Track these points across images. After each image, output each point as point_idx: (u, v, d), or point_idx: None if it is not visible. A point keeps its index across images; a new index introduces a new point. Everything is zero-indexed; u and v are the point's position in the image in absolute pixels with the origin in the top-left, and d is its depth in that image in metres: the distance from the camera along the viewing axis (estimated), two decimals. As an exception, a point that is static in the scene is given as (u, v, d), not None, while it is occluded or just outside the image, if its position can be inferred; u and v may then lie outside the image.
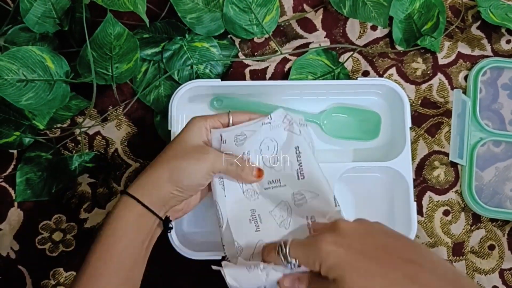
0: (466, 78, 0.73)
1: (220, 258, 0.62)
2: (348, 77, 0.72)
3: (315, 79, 0.71)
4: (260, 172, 0.58)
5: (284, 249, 0.48)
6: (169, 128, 0.66)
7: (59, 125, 0.69)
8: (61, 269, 0.67)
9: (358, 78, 0.69)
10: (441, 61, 0.73)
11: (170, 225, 0.55)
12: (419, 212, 0.69)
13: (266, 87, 0.69)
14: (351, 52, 0.72)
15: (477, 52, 0.73)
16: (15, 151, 0.68)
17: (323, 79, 0.71)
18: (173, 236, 0.62)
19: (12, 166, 0.68)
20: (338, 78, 0.71)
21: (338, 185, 0.66)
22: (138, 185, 0.53)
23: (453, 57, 0.73)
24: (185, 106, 0.69)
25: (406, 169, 0.66)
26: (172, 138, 0.65)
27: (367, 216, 0.66)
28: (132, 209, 0.52)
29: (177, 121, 0.67)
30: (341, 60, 0.72)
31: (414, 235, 0.65)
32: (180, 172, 0.54)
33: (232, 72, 0.71)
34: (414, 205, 0.65)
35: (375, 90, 0.70)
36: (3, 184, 0.68)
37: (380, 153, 0.69)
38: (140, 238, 0.52)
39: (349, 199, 0.69)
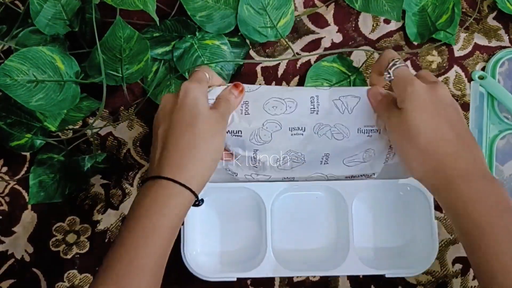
0: (483, 70, 0.71)
1: (234, 279, 0.62)
2: (364, 82, 0.70)
3: (331, 86, 0.70)
4: (238, 86, 0.59)
5: (393, 66, 0.54)
6: None
7: (70, 127, 0.69)
8: (75, 271, 0.67)
9: None
10: (457, 53, 0.71)
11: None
12: (439, 208, 0.67)
13: None
14: (366, 52, 0.70)
15: (494, 43, 0.71)
16: (27, 154, 0.68)
17: (339, 86, 0.69)
18: (187, 257, 0.62)
19: (25, 169, 0.68)
20: (354, 84, 0.70)
21: (356, 202, 0.64)
22: (180, 167, 0.50)
23: (469, 48, 0.71)
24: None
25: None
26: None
27: (387, 234, 0.66)
28: (176, 194, 0.50)
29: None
30: (355, 64, 0.70)
31: (435, 255, 0.62)
32: (222, 146, 0.55)
33: (244, 69, 0.71)
34: (435, 224, 0.63)
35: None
36: (17, 186, 0.68)
37: (398, 170, 0.65)
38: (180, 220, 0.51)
39: (368, 216, 0.67)
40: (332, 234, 0.66)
